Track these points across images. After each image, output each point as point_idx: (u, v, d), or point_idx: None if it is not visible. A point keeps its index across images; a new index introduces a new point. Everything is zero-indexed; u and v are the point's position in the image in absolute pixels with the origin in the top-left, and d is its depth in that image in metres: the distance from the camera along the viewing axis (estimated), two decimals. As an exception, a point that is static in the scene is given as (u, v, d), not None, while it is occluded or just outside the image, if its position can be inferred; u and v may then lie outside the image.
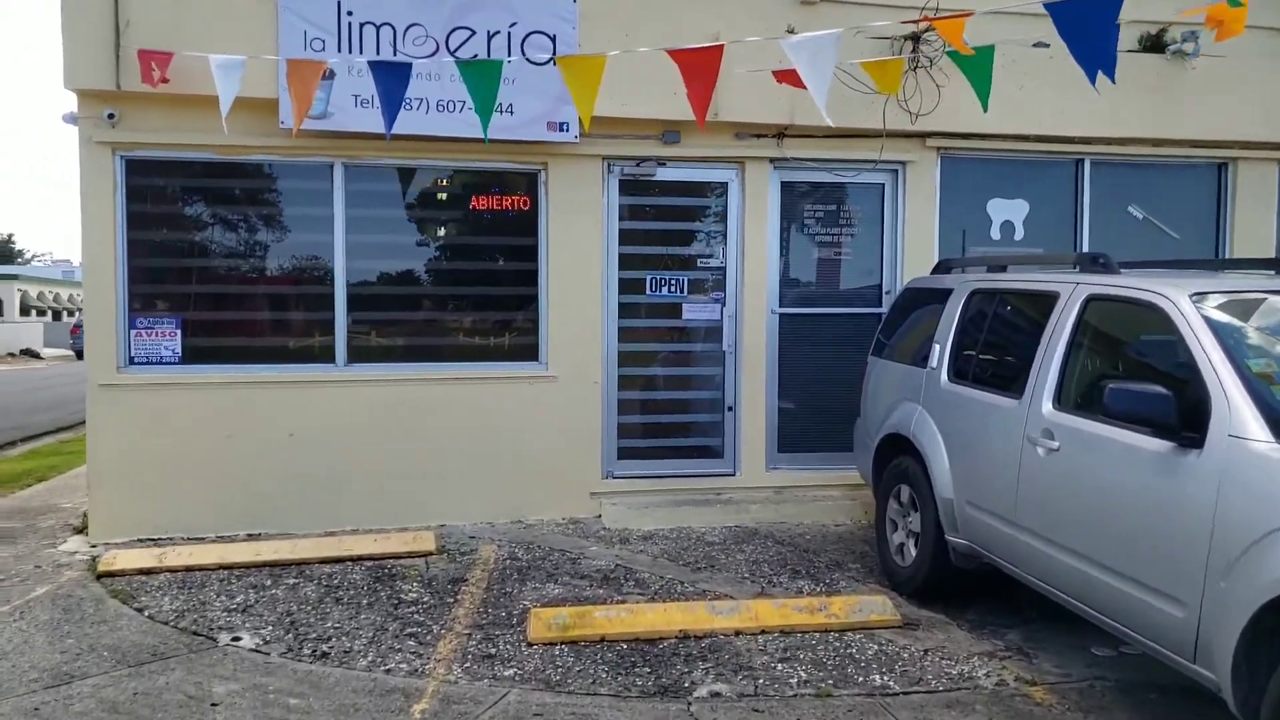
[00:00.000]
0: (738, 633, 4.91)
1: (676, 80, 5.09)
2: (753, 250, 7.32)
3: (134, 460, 6.51)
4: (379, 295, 6.99)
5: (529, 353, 7.16)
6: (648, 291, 7.34)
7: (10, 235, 70.08)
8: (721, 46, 4.93)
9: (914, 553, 5.48)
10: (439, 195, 7.13)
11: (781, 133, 7.21)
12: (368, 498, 6.80)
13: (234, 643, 4.79)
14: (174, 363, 6.67)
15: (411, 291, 7.08)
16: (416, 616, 5.17)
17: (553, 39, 6.60)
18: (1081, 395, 4.31)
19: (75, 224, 6.44)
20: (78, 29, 6.12)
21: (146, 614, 5.16)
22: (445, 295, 7.15)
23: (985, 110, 5.31)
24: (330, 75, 6.18)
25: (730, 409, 7.45)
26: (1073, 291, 4.52)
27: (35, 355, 35.78)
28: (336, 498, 6.77)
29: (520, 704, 4.14)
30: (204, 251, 6.78)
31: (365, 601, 5.38)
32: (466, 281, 7.19)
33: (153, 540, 6.48)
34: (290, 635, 4.89)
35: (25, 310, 47.40)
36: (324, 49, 6.30)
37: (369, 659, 4.61)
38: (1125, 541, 3.79)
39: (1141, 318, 4.12)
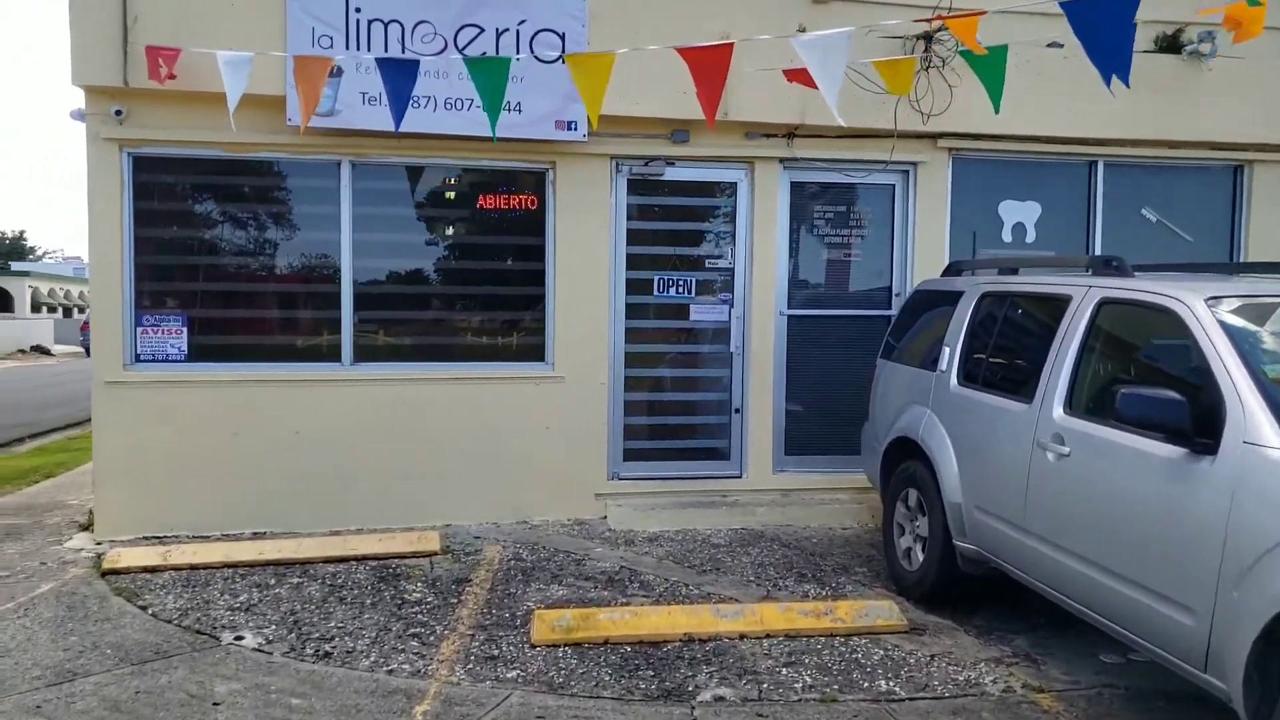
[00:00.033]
0: (742, 636, 4.87)
1: (686, 79, 5.06)
2: (761, 251, 7.28)
3: (140, 458, 6.50)
4: (386, 294, 6.97)
5: (535, 353, 7.13)
6: (655, 292, 7.30)
7: (22, 232, 70.49)
8: (731, 45, 4.89)
9: (921, 557, 5.43)
10: (446, 194, 7.11)
11: (791, 133, 7.16)
12: (373, 497, 6.78)
13: (237, 642, 4.78)
14: (180, 360, 6.66)
15: (418, 291, 7.06)
16: (420, 617, 5.14)
17: (562, 37, 6.57)
18: (1093, 400, 4.26)
19: (85, 221, 6.53)
20: (85, 25, 6.11)
21: (150, 612, 5.15)
22: (452, 295, 7.12)
23: (996, 111, 5.27)
24: (338, 72, 6.17)
25: (737, 411, 7.41)
26: (1085, 295, 4.47)
27: (46, 352, 35.93)
28: (342, 497, 6.75)
29: (522, 706, 4.10)
30: (211, 249, 6.77)
31: (369, 601, 5.36)
32: (473, 281, 7.17)
33: (158, 538, 6.48)
34: (293, 635, 4.87)
35: (36, 307, 47.68)
36: (332, 46, 6.28)
37: (372, 659, 4.59)
38: (1136, 548, 3.74)
39: (1155, 322, 4.06)
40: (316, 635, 4.87)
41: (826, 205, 7.49)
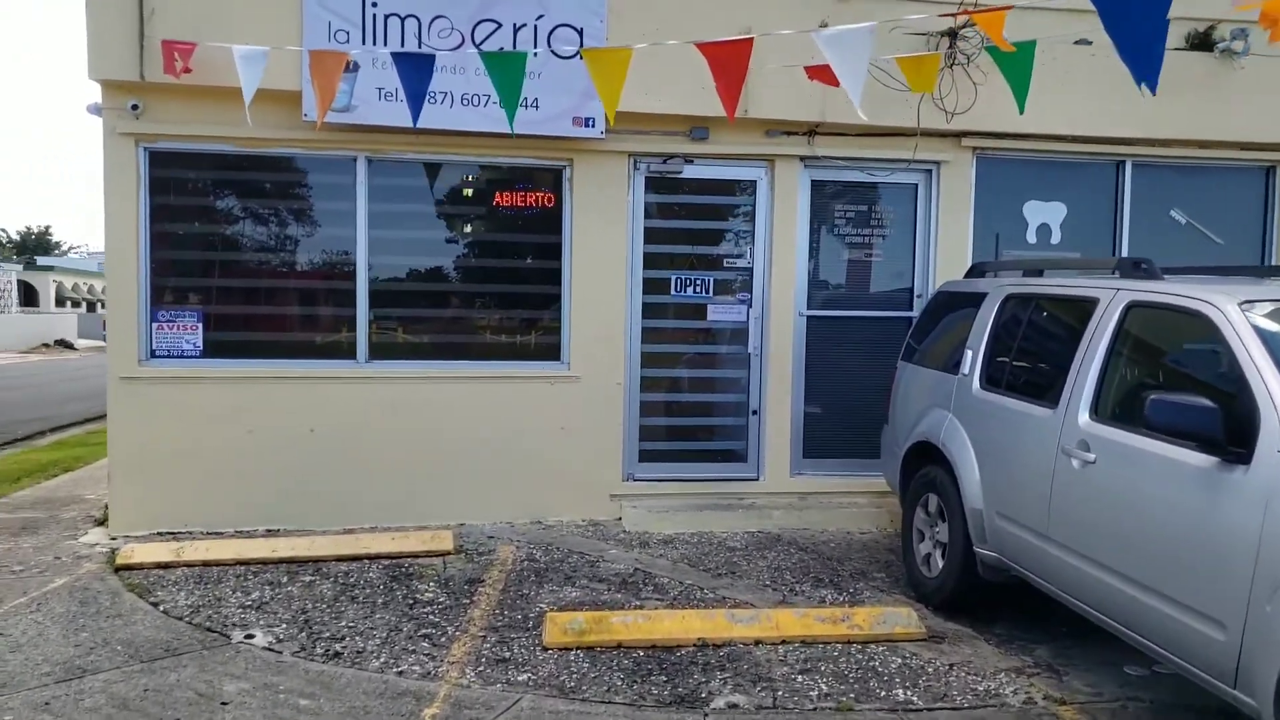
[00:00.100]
0: (757, 642, 4.79)
1: (705, 75, 4.97)
2: (781, 251, 7.19)
3: (154, 453, 6.50)
4: (401, 291, 6.93)
5: (551, 352, 7.07)
6: (673, 292, 7.22)
7: (47, 227, 71.31)
8: (751, 40, 4.81)
9: (941, 564, 5.33)
10: (462, 191, 7.06)
11: (812, 130, 7.07)
12: (387, 495, 6.75)
13: (247, 640, 4.75)
14: (195, 356, 6.64)
15: (433, 288, 7.02)
16: (431, 617, 5.09)
17: (580, 32, 6.51)
18: (1120, 406, 4.15)
19: (103, 216, 6.53)
20: (102, 19, 6.11)
21: (162, 609, 5.14)
22: (467, 293, 7.08)
23: (1021, 111, 5.15)
24: (354, 67, 6.13)
25: (755, 413, 7.32)
26: (1113, 298, 4.36)
27: (69, 346, 36.34)
28: (356, 494, 6.72)
29: (533, 711, 4.05)
30: (226, 244, 6.75)
31: (380, 601, 5.32)
32: (489, 279, 7.12)
33: (172, 534, 6.47)
34: (304, 634, 4.83)
35: (60, 301, 48.22)
36: (348, 41, 6.25)
37: (382, 660, 4.54)
38: (1164, 560, 3.63)
39: (1185, 326, 3.95)
40: (327, 635, 4.83)
41: (847, 204, 7.38)
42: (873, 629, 4.90)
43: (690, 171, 7.11)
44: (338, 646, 4.69)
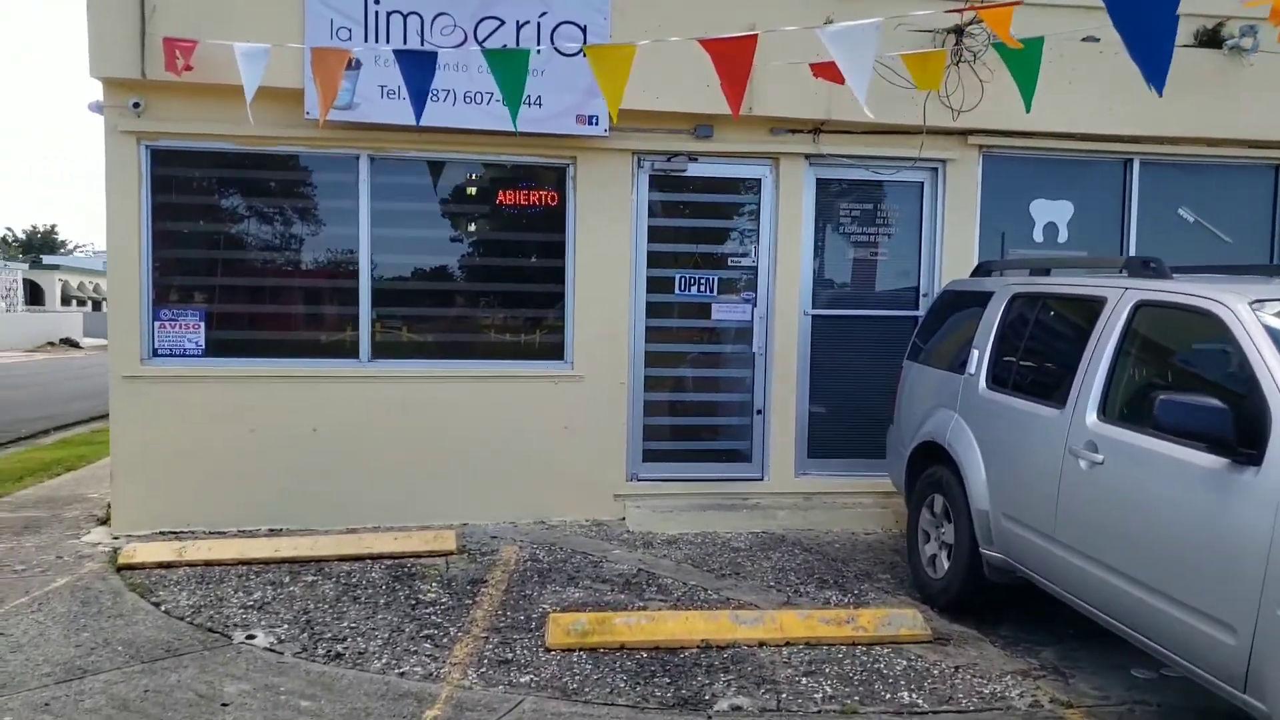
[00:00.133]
0: (762, 644, 4.75)
1: (709, 72, 4.93)
2: (786, 249, 7.15)
3: (157, 453, 6.48)
4: (404, 290, 6.91)
5: (554, 351, 7.04)
6: (677, 290, 7.18)
7: (53, 226, 71.27)
8: (755, 36, 4.77)
9: (946, 565, 5.29)
10: (466, 189, 7.03)
11: (818, 128, 7.03)
12: (390, 494, 6.73)
13: (248, 640, 4.73)
14: (197, 355, 6.63)
15: (436, 287, 7.00)
16: (434, 618, 5.07)
17: (583, 30, 6.47)
18: (1128, 406, 4.10)
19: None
20: (103, 16, 6.09)
21: (163, 609, 5.12)
22: (471, 291, 7.05)
23: (1028, 109, 5.11)
24: (356, 65, 6.11)
25: (759, 412, 7.28)
26: (1121, 297, 4.31)
27: (75, 344, 36.42)
28: (358, 494, 6.70)
29: (535, 713, 4.02)
30: (229, 243, 6.73)
31: (383, 601, 5.29)
32: (493, 278, 7.10)
33: (174, 533, 6.45)
34: (305, 634, 4.81)
35: (66, 300, 48.35)
36: (350, 38, 6.22)
37: (383, 661, 4.52)
38: (1173, 562, 3.59)
39: (1195, 326, 3.90)
40: (329, 635, 4.80)
41: (853, 203, 7.34)
42: (878, 631, 4.87)
43: (694, 169, 7.07)
44: (339, 647, 4.66)
